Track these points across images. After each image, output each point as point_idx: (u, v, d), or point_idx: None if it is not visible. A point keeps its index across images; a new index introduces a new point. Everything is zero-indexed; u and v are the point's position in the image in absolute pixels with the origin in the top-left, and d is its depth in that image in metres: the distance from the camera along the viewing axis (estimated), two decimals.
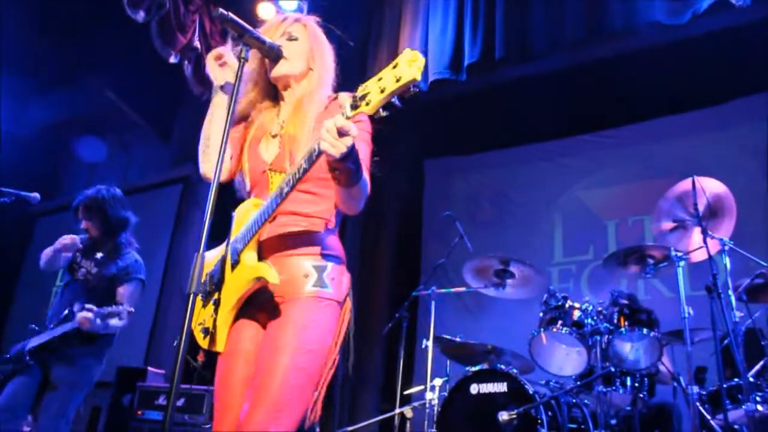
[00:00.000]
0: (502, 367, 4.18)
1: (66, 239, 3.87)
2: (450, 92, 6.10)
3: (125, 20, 5.61)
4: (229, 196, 2.21)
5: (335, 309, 1.98)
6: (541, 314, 4.44)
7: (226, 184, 2.21)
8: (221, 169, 1.85)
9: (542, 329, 4.30)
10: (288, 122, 2.12)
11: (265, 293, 1.93)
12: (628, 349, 4.20)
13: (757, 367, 3.71)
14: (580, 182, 6.87)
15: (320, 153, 1.72)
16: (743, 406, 3.43)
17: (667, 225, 4.20)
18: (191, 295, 1.72)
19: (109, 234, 4.01)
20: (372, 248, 7.40)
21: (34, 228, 9.20)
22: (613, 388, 4.04)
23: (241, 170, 2.20)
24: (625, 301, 4.19)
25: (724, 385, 3.56)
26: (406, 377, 5.11)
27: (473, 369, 4.24)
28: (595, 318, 4.20)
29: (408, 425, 4.76)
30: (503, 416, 3.79)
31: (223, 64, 2.18)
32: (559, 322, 4.24)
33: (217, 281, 2.00)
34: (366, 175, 1.95)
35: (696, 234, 4.03)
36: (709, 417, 3.70)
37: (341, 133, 1.66)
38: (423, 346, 4.70)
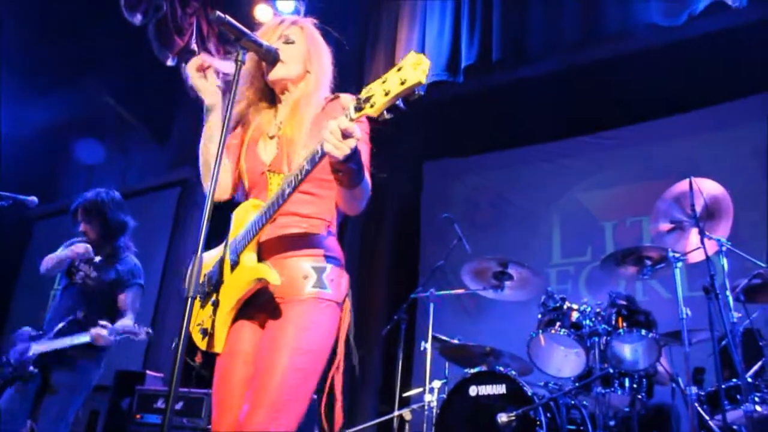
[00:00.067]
0: (501, 368, 4.19)
1: (80, 248, 3.83)
2: (447, 94, 6.10)
3: (122, 23, 5.61)
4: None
5: (335, 310, 1.98)
6: (539, 316, 4.44)
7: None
8: (219, 171, 1.85)
9: (541, 331, 4.31)
10: (285, 124, 2.13)
11: (265, 294, 1.93)
12: (627, 350, 4.20)
13: (756, 367, 3.71)
14: (577, 184, 6.87)
15: (323, 154, 1.72)
16: (742, 407, 3.43)
17: (665, 226, 4.21)
18: (189, 299, 1.72)
19: (107, 238, 4.00)
20: (371, 250, 7.40)
21: (32, 231, 9.20)
22: (612, 389, 4.04)
23: (239, 171, 2.19)
24: (623, 303, 4.19)
25: (723, 386, 3.56)
26: (404, 379, 5.11)
27: (472, 371, 4.24)
28: (593, 319, 4.20)
29: (407, 427, 4.75)
30: (502, 418, 3.79)
31: (204, 75, 2.16)
32: (558, 323, 4.24)
33: (215, 282, 2.00)
34: (367, 175, 1.95)
35: (693, 235, 4.04)
36: (707, 418, 3.70)
37: (345, 135, 1.67)
38: (421, 348, 4.70)
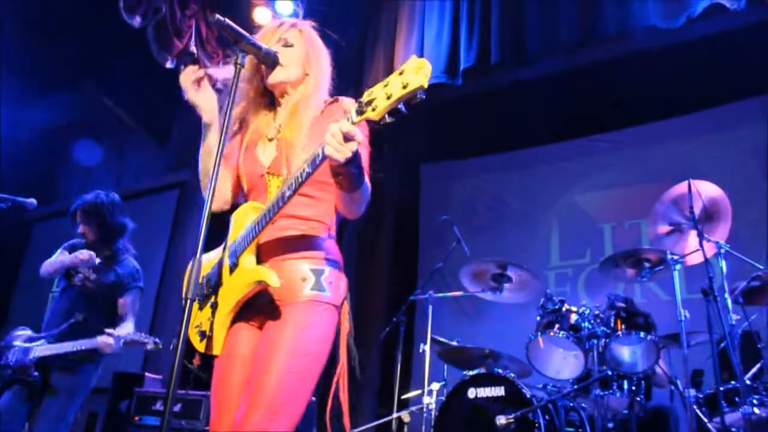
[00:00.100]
0: (500, 371, 4.19)
1: (84, 255, 3.80)
2: (446, 97, 6.11)
3: (122, 24, 5.60)
4: None
5: (332, 313, 1.98)
6: (538, 318, 4.44)
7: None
8: (217, 173, 1.85)
9: (539, 333, 4.31)
10: (284, 127, 2.13)
11: (263, 296, 1.93)
12: (625, 352, 4.20)
13: (754, 369, 3.71)
14: (576, 186, 6.87)
15: (324, 157, 1.72)
16: (740, 409, 3.43)
17: (664, 228, 4.22)
18: (188, 301, 1.72)
19: (106, 240, 4.00)
20: (369, 252, 7.40)
21: (31, 233, 9.19)
22: (610, 391, 4.04)
23: (237, 175, 2.19)
24: (622, 305, 4.19)
25: (721, 388, 3.57)
26: (403, 381, 5.11)
27: (470, 373, 4.24)
28: (592, 321, 4.20)
29: (405, 430, 4.75)
30: (500, 420, 3.79)
31: (199, 87, 2.15)
32: (556, 325, 4.24)
33: (214, 284, 2.00)
34: (367, 179, 1.96)
35: (692, 237, 4.04)
36: (706, 420, 3.70)
37: (346, 138, 1.67)
38: (420, 351, 4.70)
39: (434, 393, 4.54)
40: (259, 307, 1.96)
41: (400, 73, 1.59)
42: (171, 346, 3.67)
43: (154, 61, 5.94)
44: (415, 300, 5.14)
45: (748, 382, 3.56)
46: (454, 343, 4.71)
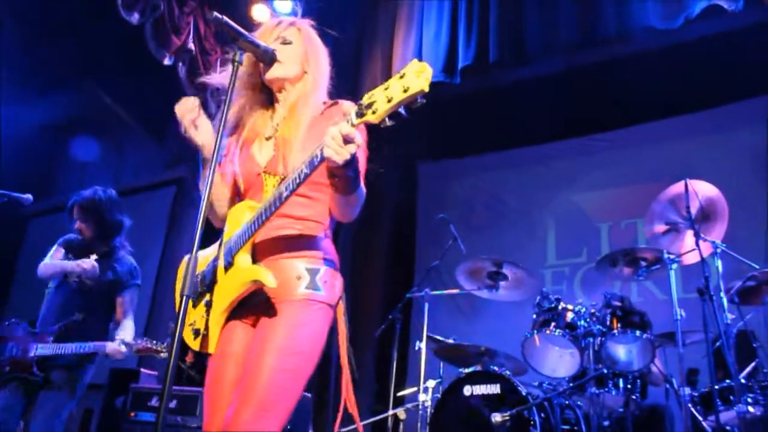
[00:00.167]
0: (495, 368, 4.20)
1: (87, 264, 3.78)
2: (444, 95, 6.11)
3: (119, 21, 5.60)
4: None
5: (327, 312, 1.98)
6: (534, 316, 4.45)
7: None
8: (213, 175, 1.86)
9: (535, 331, 4.31)
10: (282, 125, 2.12)
11: (258, 295, 1.93)
12: (621, 351, 4.21)
13: (749, 368, 3.73)
14: (573, 185, 6.88)
15: (323, 159, 1.72)
16: (735, 408, 3.45)
17: (660, 228, 4.23)
18: (183, 298, 1.72)
19: (103, 237, 3.99)
20: (366, 250, 7.40)
21: (26, 229, 9.18)
22: (606, 389, 4.05)
23: (234, 177, 2.19)
24: (618, 303, 4.20)
25: (716, 387, 3.59)
26: (399, 379, 5.11)
27: (466, 371, 4.25)
28: (588, 320, 4.21)
29: (401, 427, 4.77)
30: (496, 418, 3.80)
31: (195, 124, 2.12)
32: (552, 324, 4.25)
33: (209, 283, 2.00)
34: (362, 183, 1.96)
35: (688, 237, 4.06)
36: (700, 418, 3.72)
37: (346, 141, 1.67)
38: (416, 348, 4.71)
39: (430, 390, 4.55)
40: (254, 306, 1.96)
41: (401, 77, 1.59)
42: (164, 344, 3.68)
43: (153, 58, 5.94)
44: (412, 297, 5.14)
45: (742, 380, 3.59)
46: (451, 341, 4.72)
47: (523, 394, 3.87)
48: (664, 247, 4.11)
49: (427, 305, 4.86)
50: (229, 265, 1.96)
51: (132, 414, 4.78)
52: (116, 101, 7.62)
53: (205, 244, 2.01)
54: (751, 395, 3.52)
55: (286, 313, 1.91)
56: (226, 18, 1.97)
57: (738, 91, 5.95)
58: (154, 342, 3.78)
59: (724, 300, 3.69)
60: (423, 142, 7.51)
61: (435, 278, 5.40)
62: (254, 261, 1.96)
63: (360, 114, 1.65)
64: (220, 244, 2.02)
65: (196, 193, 2.01)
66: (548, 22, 5.33)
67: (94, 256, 3.94)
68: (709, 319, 3.59)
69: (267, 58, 2.11)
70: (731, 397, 3.59)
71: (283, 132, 2.09)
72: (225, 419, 1.83)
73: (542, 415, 3.89)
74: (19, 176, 7.26)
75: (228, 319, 1.99)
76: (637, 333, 4.01)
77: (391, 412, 4.73)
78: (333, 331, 2.03)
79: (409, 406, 4.74)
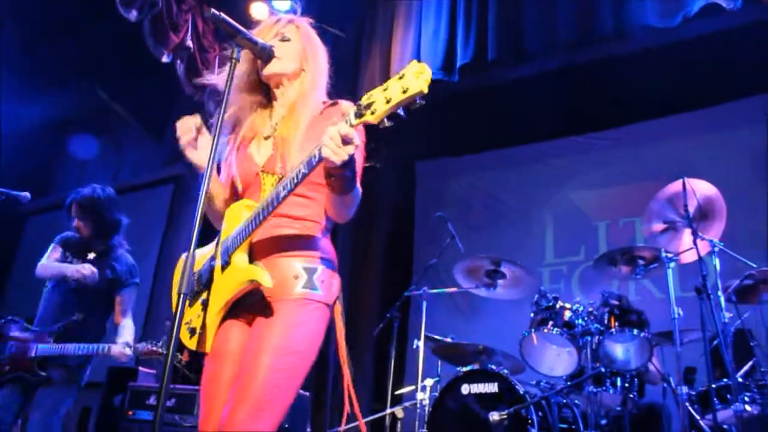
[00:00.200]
0: (493, 367, 4.20)
1: (86, 270, 3.76)
2: (442, 94, 6.11)
3: (118, 19, 5.59)
4: None
5: (324, 312, 1.97)
6: (532, 315, 4.45)
7: None
8: (210, 176, 1.85)
9: (533, 330, 4.32)
10: (281, 124, 2.12)
11: (255, 294, 1.93)
12: (619, 349, 4.22)
13: (746, 367, 3.74)
14: (571, 183, 6.89)
15: (321, 159, 1.72)
16: (732, 407, 3.45)
17: (658, 226, 4.23)
18: (180, 296, 1.72)
19: (101, 236, 3.98)
20: (364, 249, 7.39)
21: (24, 227, 9.17)
22: (604, 388, 4.05)
23: (230, 173, 2.18)
24: (616, 302, 4.20)
25: (713, 386, 3.59)
26: (397, 377, 5.12)
27: (464, 369, 4.25)
28: (585, 319, 4.22)
29: (399, 425, 4.77)
30: (494, 416, 3.80)
31: (195, 144, 2.12)
32: (550, 322, 4.25)
33: (205, 282, 2.00)
34: (358, 184, 1.95)
35: (686, 235, 4.06)
36: (698, 417, 3.73)
37: (344, 141, 1.66)
38: (414, 347, 4.71)
39: (428, 389, 4.55)
40: (250, 305, 1.96)
41: (400, 78, 1.59)
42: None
43: (151, 55, 5.93)
44: (410, 296, 5.14)
45: (740, 379, 3.59)
46: (448, 339, 4.72)
47: (521, 392, 3.88)
48: (661, 245, 4.11)
49: (425, 304, 4.86)
50: (226, 264, 1.96)
51: (130, 412, 4.78)
52: (115, 99, 7.61)
53: (203, 242, 2.01)
54: (748, 394, 3.52)
55: (282, 312, 1.91)
56: (223, 15, 1.97)
57: (736, 89, 5.95)
58: (159, 345, 3.77)
59: (722, 299, 3.71)
60: (421, 140, 7.51)
61: (433, 277, 5.40)
62: (252, 260, 1.95)
63: (359, 114, 1.65)
64: (217, 243, 2.02)
65: (195, 190, 2.00)
66: (547, 20, 5.32)
67: (92, 254, 3.93)
68: (706, 317, 3.60)
69: (264, 55, 2.10)
70: (728, 396, 3.60)
71: (282, 131, 2.08)
72: (221, 418, 1.82)
73: (540, 413, 3.89)
74: (18, 174, 7.26)
75: (224, 318, 1.98)
76: (635, 332, 4.02)
77: (389, 410, 4.74)
78: (331, 330, 2.03)
79: (407, 404, 4.74)
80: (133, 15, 5.61)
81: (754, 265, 3.92)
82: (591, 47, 5.93)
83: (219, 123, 1.90)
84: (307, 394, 4.99)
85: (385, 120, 1.63)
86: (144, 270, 4.81)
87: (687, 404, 3.58)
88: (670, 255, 3.92)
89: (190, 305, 2.04)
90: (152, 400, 4.78)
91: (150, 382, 5.36)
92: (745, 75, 5.69)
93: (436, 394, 4.29)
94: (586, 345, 4.13)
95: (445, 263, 5.14)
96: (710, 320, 3.57)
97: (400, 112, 1.61)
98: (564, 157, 7.00)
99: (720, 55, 5.68)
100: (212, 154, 1.87)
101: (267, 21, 2.26)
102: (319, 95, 2.16)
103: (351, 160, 1.73)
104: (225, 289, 1.94)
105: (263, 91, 2.24)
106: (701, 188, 4.05)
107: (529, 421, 3.79)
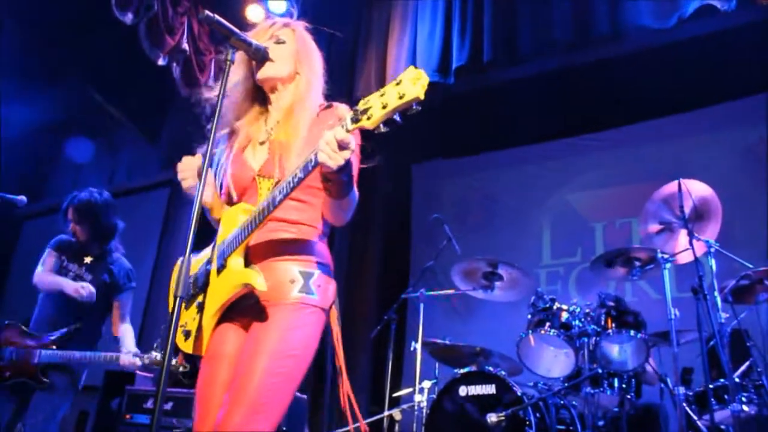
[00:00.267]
0: (491, 369, 4.20)
1: (84, 291, 3.71)
2: (438, 95, 6.11)
3: (113, 22, 5.58)
4: None
5: (319, 316, 1.98)
6: (529, 316, 4.45)
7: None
8: (205, 177, 1.85)
9: (530, 331, 4.32)
10: (278, 129, 2.11)
11: (250, 298, 1.93)
12: (616, 350, 4.22)
13: (743, 367, 3.74)
14: (568, 185, 6.90)
15: (317, 163, 1.72)
16: (729, 407, 3.46)
17: (654, 227, 4.24)
18: (177, 299, 1.72)
19: (97, 240, 3.96)
20: (360, 251, 7.39)
21: (21, 231, 9.15)
22: (601, 389, 4.06)
23: (225, 181, 2.17)
24: (612, 303, 4.21)
25: (710, 386, 3.59)
26: (394, 379, 5.11)
27: (462, 371, 4.25)
28: (582, 320, 4.22)
29: (397, 427, 4.76)
30: (491, 418, 3.80)
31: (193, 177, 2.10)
32: (547, 324, 4.26)
33: (201, 285, 2.00)
34: (355, 187, 1.96)
35: (682, 236, 4.07)
36: (695, 417, 3.73)
37: (341, 146, 1.67)
38: (411, 349, 4.71)
39: (425, 391, 4.55)
40: (246, 308, 1.96)
41: (397, 83, 1.60)
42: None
43: (147, 58, 5.92)
44: (407, 298, 5.14)
45: (737, 380, 3.59)
46: (446, 342, 4.71)
47: (519, 394, 3.88)
48: (658, 246, 4.12)
49: (422, 306, 4.86)
50: (221, 268, 1.96)
51: (127, 416, 4.77)
52: (110, 102, 7.60)
53: (199, 246, 2.01)
54: (745, 394, 3.53)
55: (279, 316, 1.91)
56: (217, 16, 1.97)
57: (731, 90, 5.96)
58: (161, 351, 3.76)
59: (718, 299, 3.71)
60: (417, 142, 7.50)
61: (430, 279, 5.39)
62: (248, 264, 1.95)
63: (355, 119, 1.65)
64: (213, 247, 2.02)
65: (191, 195, 2.00)
66: (542, 21, 5.33)
67: (89, 259, 3.92)
68: (703, 318, 3.60)
69: (259, 56, 2.10)
70: (725, 396, 3.60)
71: (279, 136, 2.08)
72: (216, 421, 1.82)
73: (537, 415, 3.89)
74: (14, 178, 7.23)
75: (219, 322, 1.98)
76: (632, 333, 4.02)
77: (386, 413, 4.73)
78: (327, 333, 2.03)
79: (404, 406, 4.73)
80: (128, 18, 5.60)
81: (750, 266, 3.92)
82: (586, 48, 5.94)
83: (213, 132, 1.90)
84: (305, 396, 4.98)
85: (381, 125, 1.63)
86: (141, 274, 4.81)
87: (684, 405, 3.57)
88: (666, 256, 3.92)
89: (186, 308, 2.04)
90: (150, 404, 4.77)
91: (147, 386, 5.34)
92: (740, 75, 5.71)
93: (434, 396, 4.29)
94: (583, 346, 4.14)
95: (442, 265, 5.13)
96: (707, 321, 3.57)
97: (397, 117, 1.62)
98: (560, 159, 7.01)
99: (715, 56, 5.70)
100: (206, 162, 1.87)
101: (262, 24, 2.26)
102: (316, 98, 2.16)
103: (347, 164, 1.73)
104: (220, 292, 1.94)
105: (259, 99, 2.23)
106: (696, 189, 4.06)
107: (527, 422, 3.79)
